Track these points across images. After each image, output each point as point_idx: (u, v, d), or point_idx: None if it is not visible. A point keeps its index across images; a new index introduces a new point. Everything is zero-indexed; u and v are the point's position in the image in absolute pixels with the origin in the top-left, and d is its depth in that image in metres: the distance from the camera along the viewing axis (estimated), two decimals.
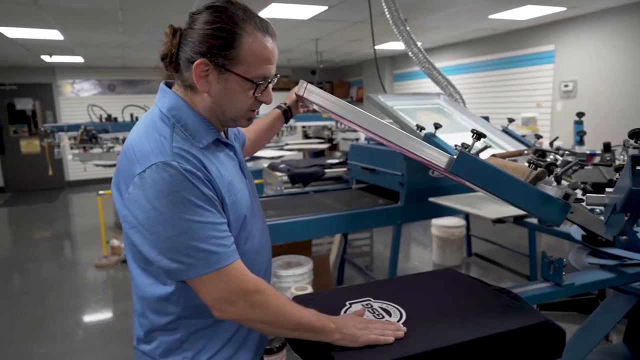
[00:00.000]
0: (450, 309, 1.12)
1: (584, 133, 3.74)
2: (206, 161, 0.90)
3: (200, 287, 0.88)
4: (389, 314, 1.08)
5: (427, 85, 7.60)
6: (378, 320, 1.03)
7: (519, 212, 2.13)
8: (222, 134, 1.02)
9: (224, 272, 0.87)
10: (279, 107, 1.44)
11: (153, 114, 0.94)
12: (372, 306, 1.12)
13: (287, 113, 1.44)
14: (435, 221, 4.02)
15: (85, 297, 3.60)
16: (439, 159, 1.09)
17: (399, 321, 1.05)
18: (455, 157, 1.09)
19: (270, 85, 0.97)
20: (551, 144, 2.37)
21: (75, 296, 3.61)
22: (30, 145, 8.54)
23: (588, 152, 3.48)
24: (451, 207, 2.34)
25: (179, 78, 0.95)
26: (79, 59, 7.56)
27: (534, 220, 2.15)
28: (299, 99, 1.33)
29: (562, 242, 4.27)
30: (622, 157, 1.58)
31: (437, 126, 1.77)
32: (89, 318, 3.28)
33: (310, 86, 1.13)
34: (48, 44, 5.81)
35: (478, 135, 1.17)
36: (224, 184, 0.92)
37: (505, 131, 2.12)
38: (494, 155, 1.61)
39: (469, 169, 1.11)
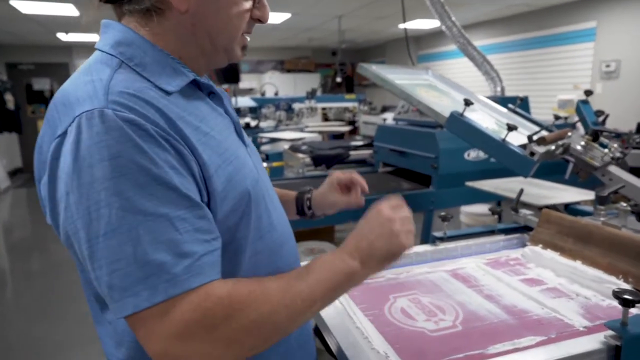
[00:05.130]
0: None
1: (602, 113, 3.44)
2: (172, 111, 0.59)
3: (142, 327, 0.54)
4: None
5: (452, 66, 7.27)
6: (395, 207, 0.70)
7: (570, 199, 1.90)
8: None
9: (186, 300, 0.53)
10: (300, 192, 1.01)
11: (90, 59, 0.66)
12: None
13: (302, 202, 0.98)
14: (465, 208, 3.79)
15: None
16: None
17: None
18: None
19: None
20: (604, 121, 2.08)
21: None
22: None
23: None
24: (492, 192, 2.12)
25: (127, 9, 0.66)
26: (96, 37, 7.46)
27: (587, 208, 1.91)
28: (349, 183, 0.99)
29: None
30: None
31: (467, 102, 1.44)
32: None
33: None
34: (63, 20, 5.66)
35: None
36: (208, 144, 0.62)
37: (514, 111, 1.88)
38: (543, 138, 1.35)
39: None
